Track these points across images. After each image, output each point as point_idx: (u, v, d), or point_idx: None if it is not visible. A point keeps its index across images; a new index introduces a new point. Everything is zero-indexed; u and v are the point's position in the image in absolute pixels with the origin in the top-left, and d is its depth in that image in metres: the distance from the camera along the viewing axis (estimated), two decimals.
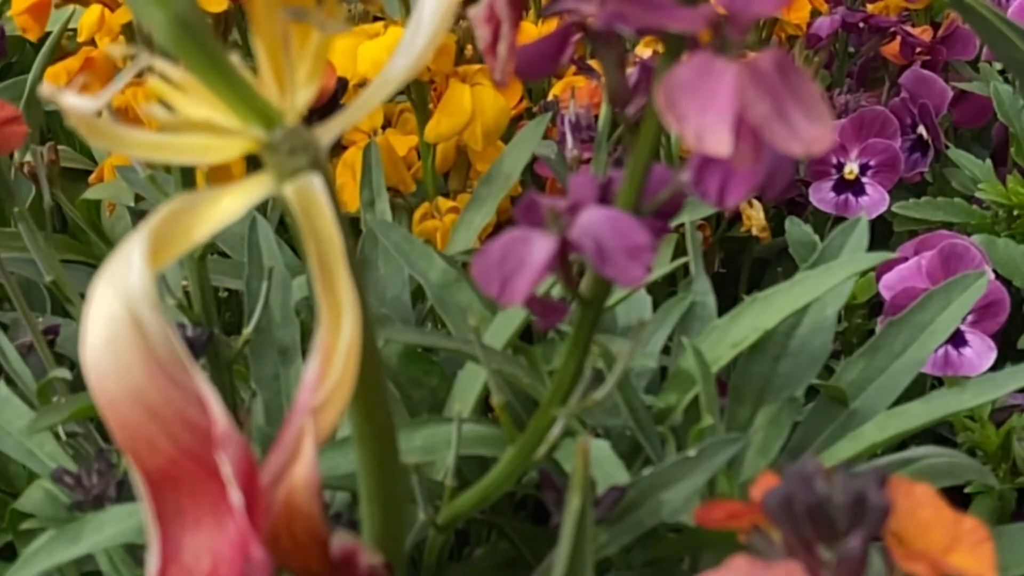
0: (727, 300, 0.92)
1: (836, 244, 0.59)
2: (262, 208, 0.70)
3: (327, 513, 0.51)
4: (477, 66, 0.79)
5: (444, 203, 0.77)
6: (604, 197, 0.38)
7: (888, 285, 0.72)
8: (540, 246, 0.34)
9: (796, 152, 0.30)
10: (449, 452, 0.47)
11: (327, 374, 0.31)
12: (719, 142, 0.29)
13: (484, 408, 0.58)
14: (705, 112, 0.29)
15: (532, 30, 0.78)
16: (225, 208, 0.31)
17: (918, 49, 0.99)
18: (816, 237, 0.80)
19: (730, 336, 0.54)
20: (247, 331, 0.56)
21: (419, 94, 0.78)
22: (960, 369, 0.68)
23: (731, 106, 0.29)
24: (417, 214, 0.77)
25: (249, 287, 0.59)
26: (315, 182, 0.32)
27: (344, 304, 0.32)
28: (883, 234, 0.93)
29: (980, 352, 0.69)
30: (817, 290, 0.53)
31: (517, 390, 0.53)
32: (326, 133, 0.32)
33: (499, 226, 0.79)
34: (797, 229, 0.80)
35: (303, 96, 0.32)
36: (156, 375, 0.29)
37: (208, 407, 0.30)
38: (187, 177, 0.53)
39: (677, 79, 0.30)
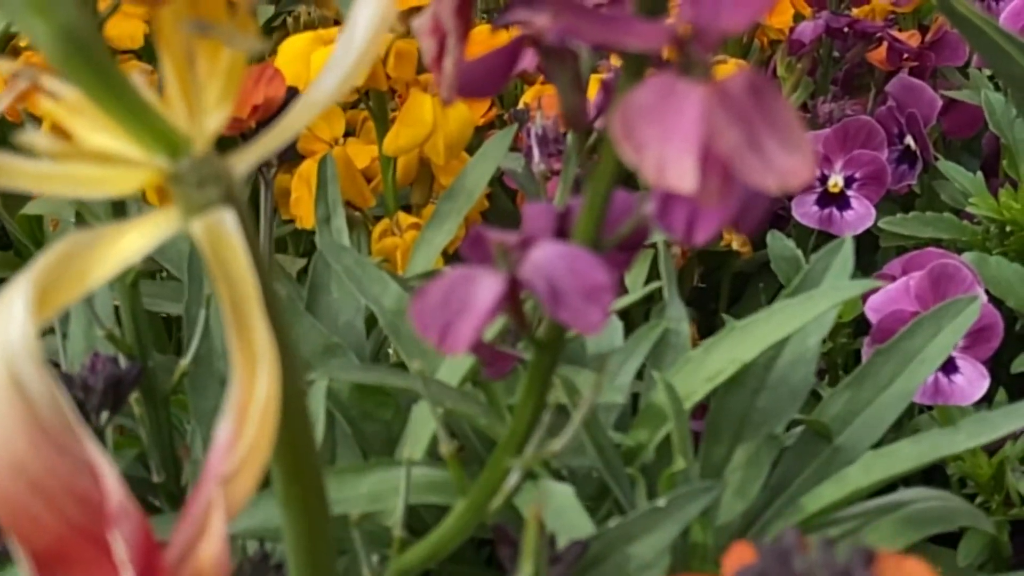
0: (707, 316, 0.89)
1: (819, 268, 0.56)
2: None
3: (267, 564, 0.48)
4: None
5: (405, 219, 0.74)
6: (561, 228, 0.35)
7: (874, 307, 0.69)
8: (486, 287, 0.31)
9: (771, 186, 0.26)
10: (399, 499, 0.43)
11: (240, 436, 0.28)
12: (682, 175, 0.26)
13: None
14: (667, 140, 0.26)
15: (488, 37, 0.74)
16: (125, 248, 0.28)
17: (906, 55, 0.96)
18: (799, 252, 0.77)
19: (705, 368, 0.51)
20: (184, 362, 0.53)
21: (378, 104, 0.74)
22: (951, 398, 0.66)
23: (696, 134, 0.26)
24: (376, 230, 0.73)
25: (188, 313, 0.55)
26: (226, 218, 0.28)
27: (260, 356, 0.29)
28: (869, 248, 0.91)
29: (972, 380, 0.66)
30: (799, 320, 0.50)
31: (476, 428, 0.50)
32: (241, 162, 0.29)
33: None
34: (779, 244, 0.77)
35: (214, 120, 0.29)
36: (40, 443, 0.26)
37: (101, 477, 0.26)
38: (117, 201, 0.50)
39: (635, 102, 0.26)
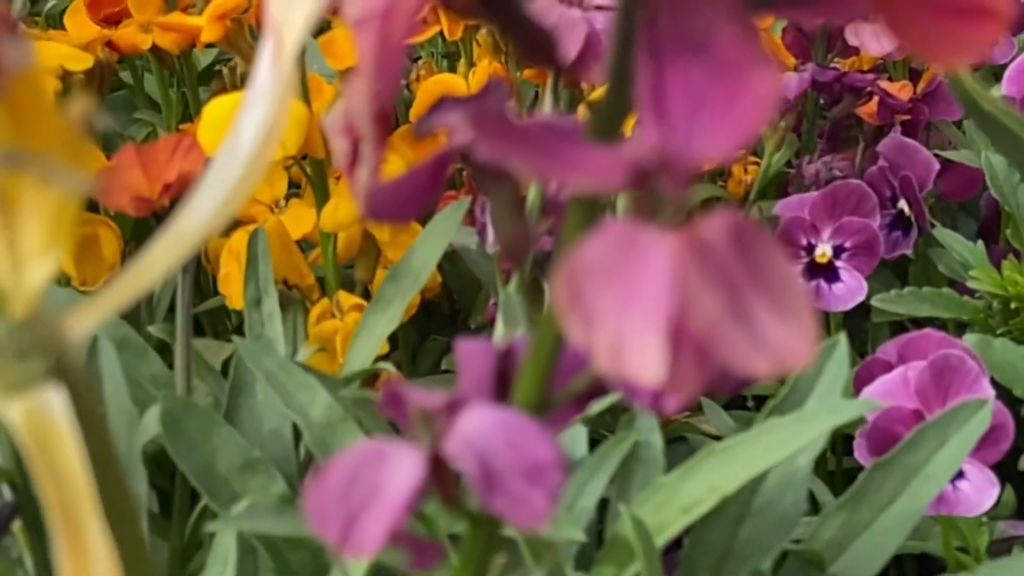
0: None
1: (809, 374, 0.50)
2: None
3: None
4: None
5: (347, 299, 0.68)
6: (503, 371, 0.29)
7: None
8: (402, 470, 0.25)
9: (761, 368, 0.21)
10: None
11: None
12: (646, 361, 0.20)
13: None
14: (626, 313, 0.20)
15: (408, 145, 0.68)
16: None
17: (897, 110, 0.91)
18: None
19: (680, 497, 0.45)
20: None
21: (316, 171, 0.69)
22: (956, 507, 0.60)
23: (665, 303, 0.20)
24: (314, 313, 0.67)
25: None
26: (53, 401, 0.22)
27: (95, 565, 0.23)
28: (859, 317, 0.85)
29: (980, 487, 0.60)
30: (788, 446, 0.44)
31: None
32: (77, 323, 0.23)
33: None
34: None
35: (39, 271, 0.23)
36: None
37: None
38: None
39: (585, 260, 0.21)
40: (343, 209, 0.66)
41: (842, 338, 0.51)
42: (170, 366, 0.64)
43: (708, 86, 0.22)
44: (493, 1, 0.23)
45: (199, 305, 0.80)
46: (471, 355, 0.29)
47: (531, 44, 0.24)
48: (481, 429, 0.26)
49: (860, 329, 0.88)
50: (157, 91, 1.00)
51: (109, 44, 0.87)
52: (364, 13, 0.24)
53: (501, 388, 0.29)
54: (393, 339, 0.68)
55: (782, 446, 0.44)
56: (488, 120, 0.22)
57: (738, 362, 0.20)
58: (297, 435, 0.55)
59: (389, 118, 0.28)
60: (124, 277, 0.24)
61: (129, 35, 0.86)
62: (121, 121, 1.10)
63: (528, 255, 0.27)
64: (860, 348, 0.84)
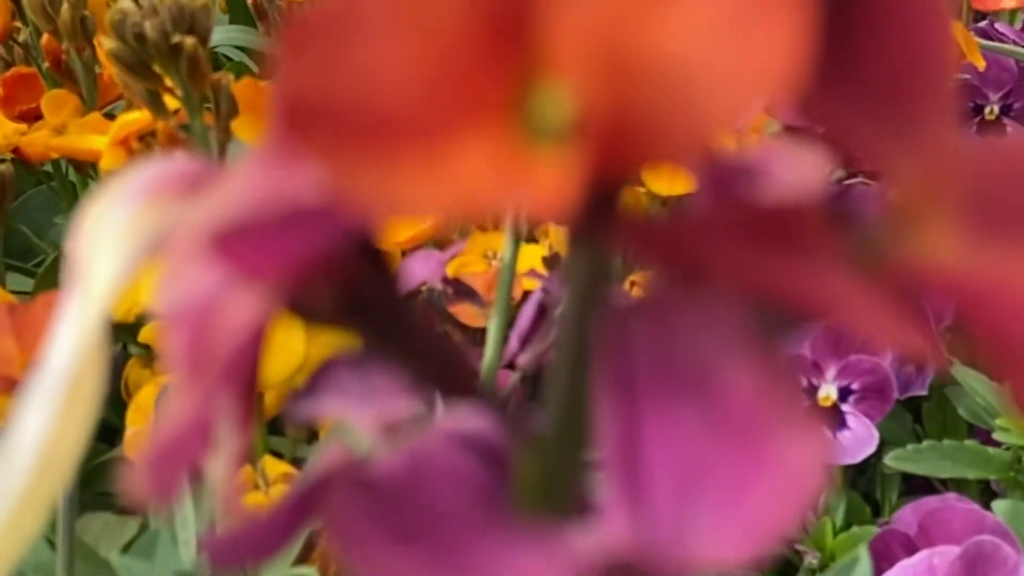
0: None
1: None
2: None
3: None
4: None
5: (274, 467, 0.60)
6: None
7: None
8: None
9: None
10: None
11: None
12: None
13: None
14: None
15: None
16: None
17: None
18: None
19: None
20: None
21: None
22: None
23: None
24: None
25: None
26: None
27: None
28: (868, 469, 0.77)
29: None
30: None
31: None
32: None
33: None
34: None
35: None
36: None
37: None
38: None
39: None
40: (271, 368, 0.58)
41: (863, 556, 0.43)
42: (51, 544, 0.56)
43: (710, 448, 0.15)
44: (372, 307, 0.15)
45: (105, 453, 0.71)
46: None
47: (431, 366, 0.16)
48: None
49: (869, 491, 0.80)
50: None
51: (16, 152, 0.80)
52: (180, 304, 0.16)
53: None
54: None
55: None
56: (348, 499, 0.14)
57: None
58: None
59: (251, 426, 0.20)
60: None
61: (40, 140, 0.78)
62: (41, 224, 1.02)
63: None
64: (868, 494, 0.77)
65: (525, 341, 0.49)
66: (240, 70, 0.98)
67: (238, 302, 0.14)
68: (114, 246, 0.20)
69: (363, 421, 0.20)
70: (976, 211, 0.14)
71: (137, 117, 0.59)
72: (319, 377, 0.21)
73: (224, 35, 1.05)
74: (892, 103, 0.13)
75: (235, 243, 0.13)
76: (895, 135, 0.13)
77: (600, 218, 0.12)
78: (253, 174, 0.13)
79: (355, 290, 0.15)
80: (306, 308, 0.15)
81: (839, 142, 0.13)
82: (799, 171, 0.15)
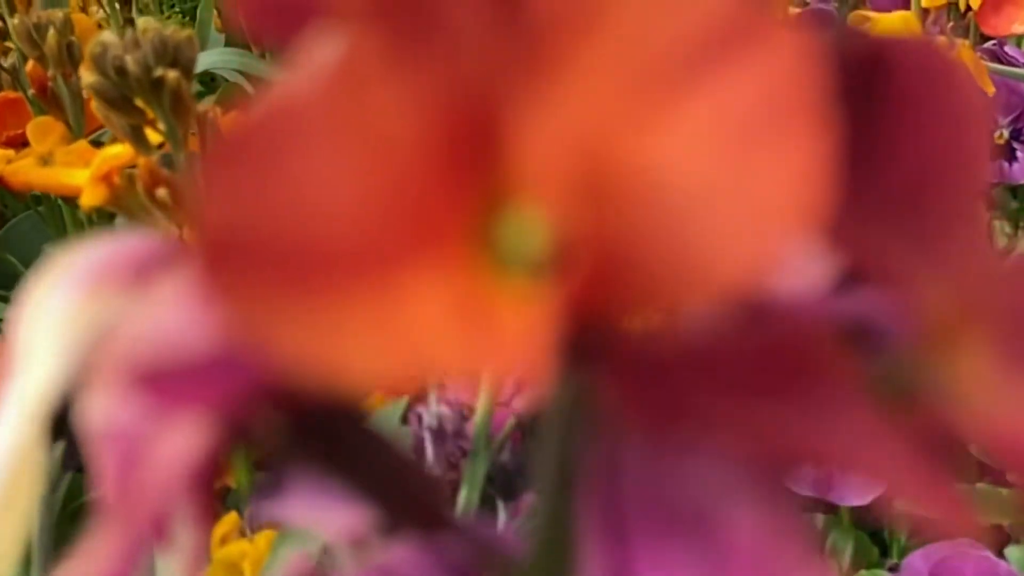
0: None
1: None
2: None
3: None
4: None
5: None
6: None
7: None
8: None
9: None
10: None
11: None
12: None
13: None
14: None
15: None
16: None
17: None
18: None
19: None
20: None
21: None
22: None
23: None
24: (218, 532, 0.57)
25: None
26: None
27: None
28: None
29: None
30: None
31: None
32: None
33: None
34: None
35: None
36: None
37: None
38: None
39: None
40: None
41: None
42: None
43: None
44: (328, 436, 0.14)
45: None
46: None
47: (396, 498, 0.15)
48: None
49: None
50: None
51: (1, 181, 0.78)
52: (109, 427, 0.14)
53: None
54: None
55: None
56: None
57: None
58: None
59: (212, 526, 0.18)
60: None
61: (22, 170, 0.76)
62: (29, 251, 1.00)
63: None
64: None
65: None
66: (235, 92, 0.97)
67: (171, 434, 0.13)
68: (53, 340, 0.18)
69: (330, 532, 0.18)
70: (1010, 336, 0.12)
71: (119, 151, 0.57)
72: (287, 477, 0.19)
73: (220, 58, 1.04)
74: (918, 215, 0.12)
75: (160, 380, 0.11)
76: (922, 252, 0.12)
77: (583, 358, 0.11)
78: (184, 302, 0.12)
79: (308, 419, 0.13)
80: (256, 439, 0.13)
81: (860, 260, 0.11)
82: (804, 278, 0.13)
